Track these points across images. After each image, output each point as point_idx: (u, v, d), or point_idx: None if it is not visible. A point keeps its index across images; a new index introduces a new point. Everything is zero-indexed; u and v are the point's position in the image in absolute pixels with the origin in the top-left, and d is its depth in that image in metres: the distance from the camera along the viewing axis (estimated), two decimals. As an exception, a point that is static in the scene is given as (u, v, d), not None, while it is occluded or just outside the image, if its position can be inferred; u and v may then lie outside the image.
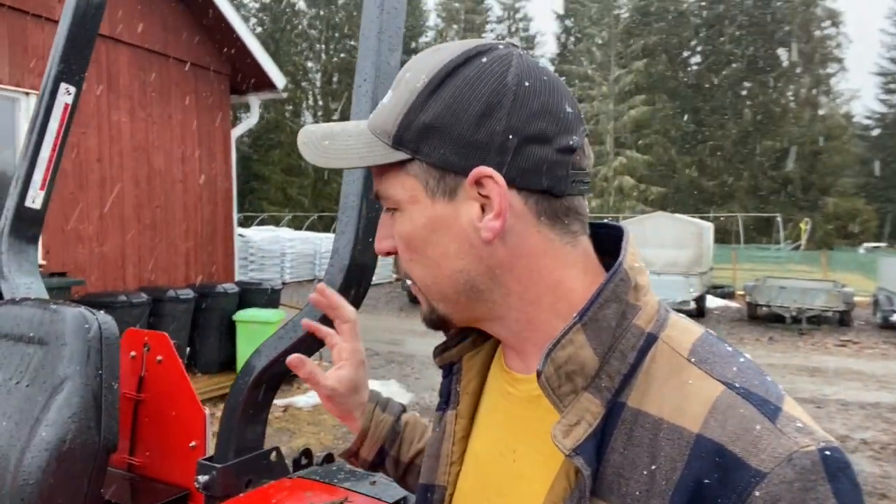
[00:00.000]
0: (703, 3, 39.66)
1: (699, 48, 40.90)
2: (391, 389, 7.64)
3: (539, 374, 0.61)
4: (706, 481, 0.54)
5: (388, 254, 0.73)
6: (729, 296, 17.73)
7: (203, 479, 1.25)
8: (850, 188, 37.09)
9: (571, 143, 0.65)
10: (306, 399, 6.94)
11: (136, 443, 1.53)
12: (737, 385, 0.58)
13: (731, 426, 0.55)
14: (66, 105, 1.82)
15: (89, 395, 1.21)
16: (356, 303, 1.23)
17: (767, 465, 0.53)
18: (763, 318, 13.70)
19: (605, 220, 0.75)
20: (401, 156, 0.66)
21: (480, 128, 0.64)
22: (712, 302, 15.99)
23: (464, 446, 0.77)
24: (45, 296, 1.71)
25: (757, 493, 0.52)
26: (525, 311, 0.68)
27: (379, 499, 1.14)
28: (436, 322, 0.72)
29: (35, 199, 1.85)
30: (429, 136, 0.65)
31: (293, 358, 0.92)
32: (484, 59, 0.65)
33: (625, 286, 0.64)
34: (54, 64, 1.83)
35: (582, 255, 0.69)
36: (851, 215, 35.83)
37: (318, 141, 0.71)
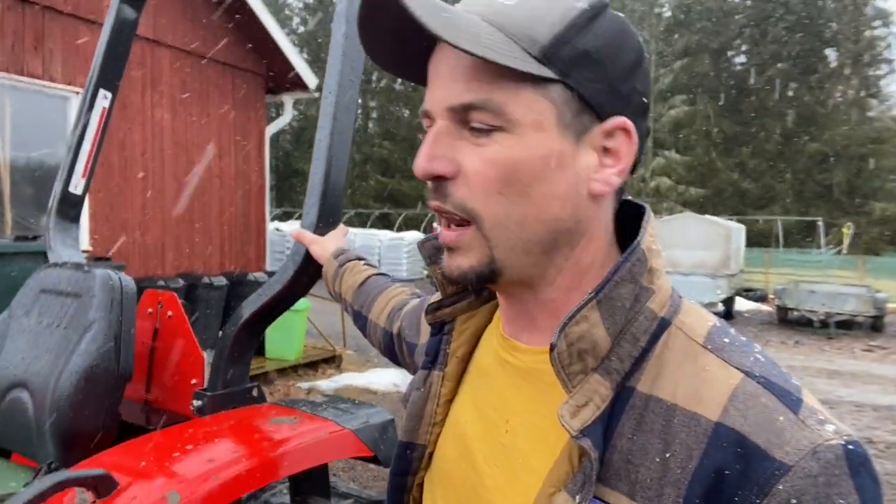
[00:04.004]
0: (749, 2, 38.96)
1: (743, 48, 40.17)
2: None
3: (552, 349, 0.59)
4: (727, 472, 0.53)
5: (436, 178, 0.63)
6: (761, 299, 17.58)
7: (197, 403, 1.59)
8: (898, 193, 36.03)
9: (649, 126, 0.67)
10: (328, 383, 7.34)
11: (150, 381, 1.89)
12: (756, 374, 0.57)
13: (753, 416, 0.54)
14: (104, 108, 2.19)
15: (111, 335, 1.57)
16: (332, 229, 1.55)
17: (792, 458, 0.51)
18: (793, 321, 13.59)
19: (627, 197, 0.70)
20: (545, 72, 0.59)
21: (628, 79, 0.62)
22: (743, 305, 15.89)
23: (447, 409, 0.77)
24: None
25: (780, 487, 0.50)
26: (570, 280, 0.66)
27: (326, 419, 1.46)
28: (484, 275, 0.64)
29: (77, 186, 2.22)
30: (585, 65, 0.60)
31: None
32: (612, 11, 0.63)
33: (641, 267, 0.62)
34: (94, 72, 2.20)
35: (612, 233, 0.68)
36: (900, 221, 34.79)
37: (433, 6, 0.58)
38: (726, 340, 0.60)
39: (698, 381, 0.57)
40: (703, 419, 0.55)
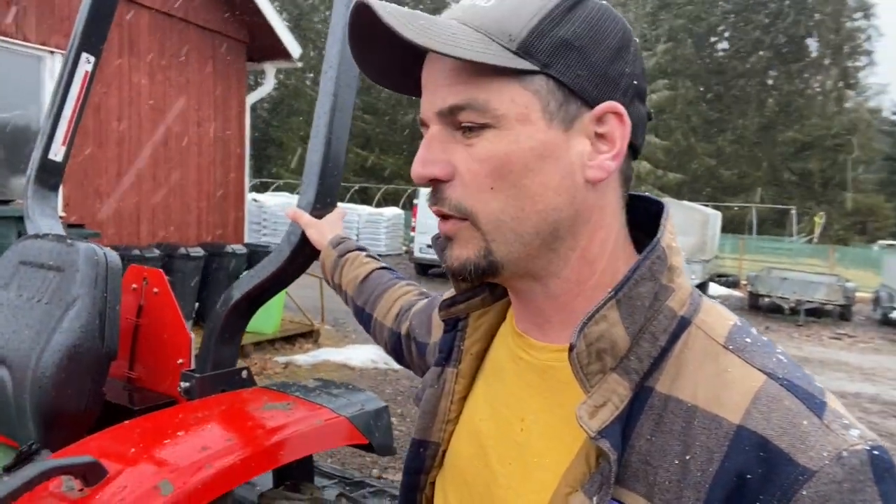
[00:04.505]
0: (734, -12, 38.97)
1: (726, 34, 40.28)
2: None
3: (571, 349, 0.58)
4: (748, 476, 0.52)
5: (432, 181, 0.64)
6: (733, 285, 17.89)
7: (185, 385, 1.54)
8: (870, 184, 36.71)
9: (650, 110, 0.67)
10: (305, 358, 7.30)
11: (134, 359, 1.83)
12: (779, 376, 0.56)
13: (777, 419, 0.53)
14: (87, 72, 2.09)
15: (95, 312, 1.51)
16: (329, 210, 1.49)
17: (816, 463, 0.50)
18: (764, 308, 13.85)
19: (645, 193, 0.69)
20: (524, 65, 0.59)
21: (615, 63, 0.61)
22: (716, 290, 16.15)
23: (461, 406, 0.76)
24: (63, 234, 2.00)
25: (804, 492, 0.50)
26: (578, 272, 0.65)
27: (321, 405, 1.42)
28: (482, 269, 0.63)
29: (57, 153, 2.13)
30: (565, 54, 0.60)
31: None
32: (594, 1, 0.63)
33: (661, 265, 0.61)
34: (77, 35, 2.10)
35: (624, 226, 0.67)
36: (870, 212, 35.52)
37: (407, 15, 0.59)
38: (748, 340, 0.59)
39: (719, 382, 0.56)
40: (725, 421, 0.54)
